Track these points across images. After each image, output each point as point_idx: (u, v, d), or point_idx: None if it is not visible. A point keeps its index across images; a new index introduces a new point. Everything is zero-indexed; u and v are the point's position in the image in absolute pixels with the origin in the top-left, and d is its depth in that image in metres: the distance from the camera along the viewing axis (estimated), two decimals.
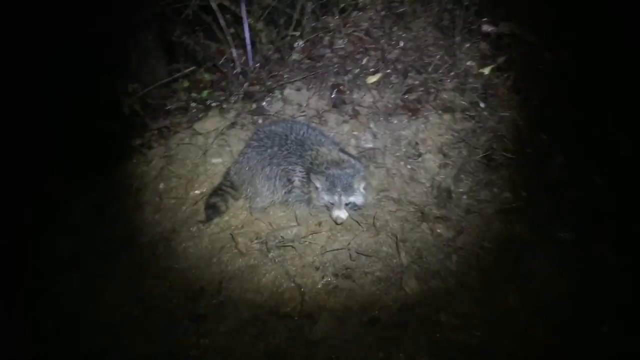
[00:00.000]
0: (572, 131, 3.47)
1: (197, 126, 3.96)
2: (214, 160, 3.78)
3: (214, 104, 4.15)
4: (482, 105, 3.65)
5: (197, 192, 3.65)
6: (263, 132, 3.42)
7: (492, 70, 3.73)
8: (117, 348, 2.86)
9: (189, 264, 3.22)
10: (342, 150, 3.34)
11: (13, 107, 3.91)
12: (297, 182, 3.24)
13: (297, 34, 4.11)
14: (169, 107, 4.27)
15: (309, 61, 3.98)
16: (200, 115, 4.09)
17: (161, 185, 3.75)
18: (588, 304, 2.85)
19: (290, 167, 3.26)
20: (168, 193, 3.70)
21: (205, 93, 4.28)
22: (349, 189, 3.08)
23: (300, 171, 3.24)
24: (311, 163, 3.20)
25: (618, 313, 2.79)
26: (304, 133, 3.33)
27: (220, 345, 2.79)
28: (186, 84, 4.47)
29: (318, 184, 3.11)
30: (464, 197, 3.38)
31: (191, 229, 3.40)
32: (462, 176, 3.45)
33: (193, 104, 4.23)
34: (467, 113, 3.64)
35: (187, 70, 4.49)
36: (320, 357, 2.67)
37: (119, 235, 3.57)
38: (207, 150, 3.84)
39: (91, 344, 2.90)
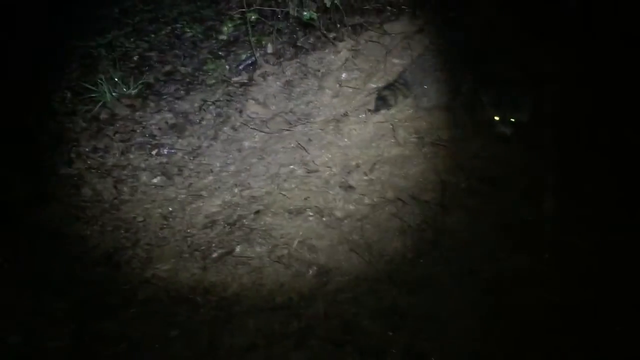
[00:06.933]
0: None
1: (387, 27, 4.23)
2: (395, 60, 4.05)
3: (407, 10, 4.36)
4: None
5: (373, 85, 3.97)
6: (443, 39, 3.59)
7: None
8: (277, 195, 3.41)
9: (351, 143, 3.61)
10: (519, 69, 3.39)
11: None
12: (464, 90, 3.41)
13: None
14: (366, 7, 4.57)
15: None
16: (392, 18, 4.35)
17: (343, 75, 4.14)
18: None
19: (461, 75, 3.42)
20: (348, 82, 4.09)
21: None
22: (515, 107, 3.18)
23: (470, 81, 3.39)
24: (483, 75, 3.33)
25: None
26: (484, 45, 3.45)
27: (362, 214, 3.18)
28: None
29: (485, 99, 3.24)
30: None
31: (360, 115, 3.77)
32: None
33: (389, 7, 4.49)
34: None
35: None
36: (446, 243, 2.94)
37: (299, 111, 4.08)
38: (391, 50, 4.11)
39: (256, 187, 3.50)
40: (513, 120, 3.19)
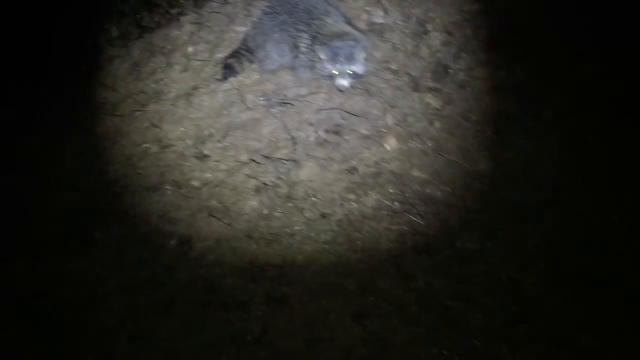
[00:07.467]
0: None
1: None
2: (238, 28, 4.10)
3: None
4: None
5: (220, 55, 4.00)
6: (277, 1, 3.68)
7: None
8: (133, 176, 3.39)
9: (203, 114, 3.64)
10: (348, 23, 3.57)
11: None
12: (303, 49, 3.52)
13: None
14: None
15: None
16: None
17: (190, 49, 4.13)
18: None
19: (297, 34, 3.53)
20: (195, 55, 4.08)
21: None
22: (350, 59, 3.33)
23: (306, 39, 3.50)
24: (317, 32, 3.46)
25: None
26: (313, 3, 3.57)
27: (219, 179, 3.24)
28: None
29: (322, 55, 3.38)
30: (461, 73, 3.56)
31: (210, 86, 3.79)
32: (463, 54, 3.62)
33: None
34: None
35: None
36: (299, 194, 3.08)
37: (150, 90, 4.03)
38: (234, 19, 4.15)
39: (112, 171, 3.45)
40: (350, 72, 3.35)
